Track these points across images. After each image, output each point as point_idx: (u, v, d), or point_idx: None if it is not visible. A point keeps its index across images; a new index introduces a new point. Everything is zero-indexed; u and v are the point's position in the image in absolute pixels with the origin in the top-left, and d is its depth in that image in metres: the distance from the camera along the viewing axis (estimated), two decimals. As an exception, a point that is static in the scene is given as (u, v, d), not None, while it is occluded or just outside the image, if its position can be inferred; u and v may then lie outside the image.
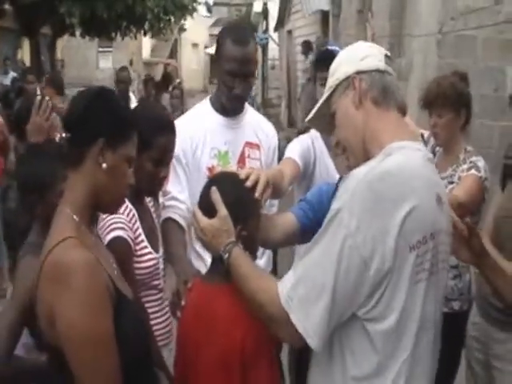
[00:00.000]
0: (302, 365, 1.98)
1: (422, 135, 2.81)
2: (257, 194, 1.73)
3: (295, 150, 2.74)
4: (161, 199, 2.43)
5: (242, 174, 1.76)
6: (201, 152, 2.50)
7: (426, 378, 1.54)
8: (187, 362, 1.73)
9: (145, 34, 17.65)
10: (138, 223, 2.08)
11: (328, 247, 1.43)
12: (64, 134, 1.62)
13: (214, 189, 1.69)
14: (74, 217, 1.51)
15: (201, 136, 2.51)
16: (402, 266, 1.42)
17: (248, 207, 1.73)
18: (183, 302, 1.81)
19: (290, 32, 16.35)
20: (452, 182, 2.72)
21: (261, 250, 2.14)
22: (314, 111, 1.79)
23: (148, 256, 2.10)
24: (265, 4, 19.69)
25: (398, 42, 7.10)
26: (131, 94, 8.27)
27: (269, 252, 2.70)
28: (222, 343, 1.63)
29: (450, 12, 5.87)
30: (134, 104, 6.32)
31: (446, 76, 2.98)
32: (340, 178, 1.92)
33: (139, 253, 2.07)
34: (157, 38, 23.01)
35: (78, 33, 16.13)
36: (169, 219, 2.39)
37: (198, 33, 33.86)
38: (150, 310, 2.11)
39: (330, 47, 3.12)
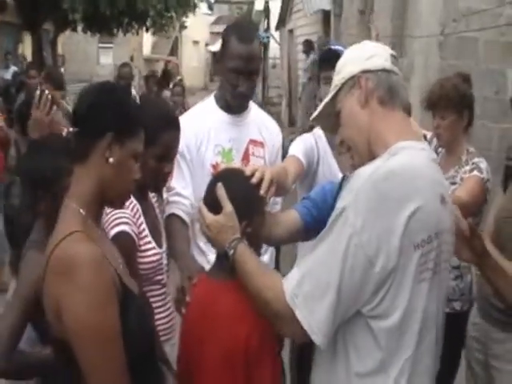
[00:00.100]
0: (303, 362, 1.99)
1: (425, 136, 2.83)
2: (262, 191, 1.73)
3: (299, 148, 2.74)
4: (165, 195, 2.44)
5: (248, 170, 1.76)
6: (205, 149, 2.51)
7: (428, 377, 1.55)
8: (191, 359, 1.73)
9: (147, 30, 17.64)
10: (142, 218, 2.08)
11: (333, 245, 1.44)
12: (71, 129, 1.62)
13: (219, 185, 1.69)
14: (81, 211, 1.51)
15: (205, 133, 2.51)
16: (406, 265, 1.43)
17: (253, 204, 1.73)
18: (188, 298, 1.81)
19: (291, 31, 16.32)
20: (454, 183, 2.73)
21: (264, 247, 2.14)
22: (319, 110, 1.78)
23: (152, 251, 2.10)
24: (266, 2, 19.59)
25: (400, 43, 7.08)
26: (133, 91, 8.25)
27: (271, 250, 2.70)
28: (227, 340, 1.63)
29: (451, 14, 5.87)
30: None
31: (449, 78, 2.98)
32: (343, 177, 1.93)
33: (143, 248, 2.07)
34: (158, 34, 22.98)
35: (79, 28, 16.12)
36: (172, 215, 2.39)
37: (198, 30, 33.74)
38: (153, 305, 2.11)
39: (332, 47, 3.13)
